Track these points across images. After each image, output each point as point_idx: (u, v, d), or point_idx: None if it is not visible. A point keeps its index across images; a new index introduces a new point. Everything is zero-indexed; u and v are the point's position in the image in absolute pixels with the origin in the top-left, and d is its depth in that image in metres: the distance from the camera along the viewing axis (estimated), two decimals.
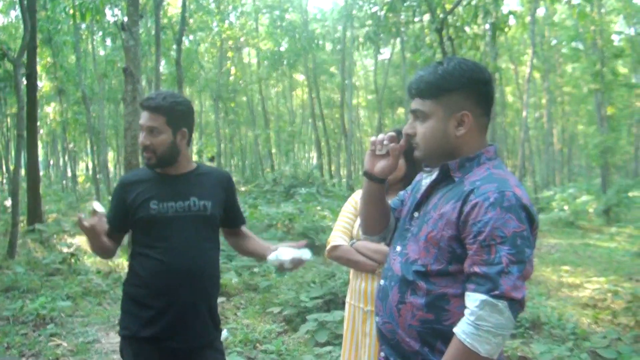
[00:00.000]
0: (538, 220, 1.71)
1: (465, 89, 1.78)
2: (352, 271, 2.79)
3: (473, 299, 1.59)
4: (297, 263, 2.49)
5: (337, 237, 2.74)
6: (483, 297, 1.56)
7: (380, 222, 2.09)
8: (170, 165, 2.55)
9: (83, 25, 19.68)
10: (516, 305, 1.57)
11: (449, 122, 1.80)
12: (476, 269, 1.61)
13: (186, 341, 2.48)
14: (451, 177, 1.82)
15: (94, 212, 2.40)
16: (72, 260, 8.52)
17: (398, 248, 1.91)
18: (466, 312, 1.61)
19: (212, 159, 24.05)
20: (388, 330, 1.85)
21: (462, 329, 1.59)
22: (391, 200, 2.16)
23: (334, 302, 5.95)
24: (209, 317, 2.56)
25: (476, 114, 1.80)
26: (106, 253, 2.57)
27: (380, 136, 1.95)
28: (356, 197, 2.89)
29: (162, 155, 2.50)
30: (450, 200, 1.75)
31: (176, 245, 2.46)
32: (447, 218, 1.73)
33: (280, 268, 2.53)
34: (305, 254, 2.47)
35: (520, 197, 1.65)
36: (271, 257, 2.52)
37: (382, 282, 1.94)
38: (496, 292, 1.55)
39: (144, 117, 2.48)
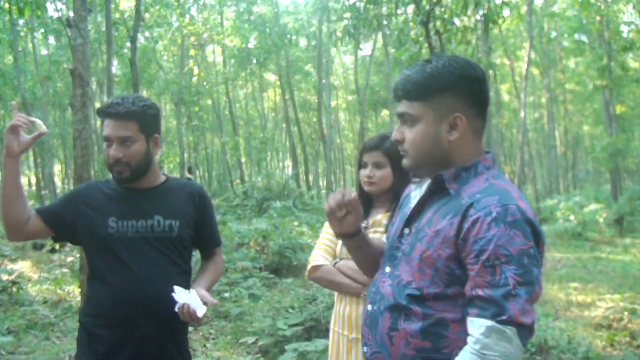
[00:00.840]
0: (544, 236, 1.71)
1: (457, 88, 1.78)
2: (336, 294, 2.78)
3: (477, 325, 1.58)
4: (186, 313, 2.32)
5: (319, 256, 2.73)
6: (488, 323, 1.56)
7: (375, 261, 2.09)
8: (142, 178, 2.53)
9: (21, 22, 19.50)
10: (525, 331, 1.56)
11: (441, 126, 1.80)
12: (479, 291, 1.60)
13: None
14: (446, 188, 1.82)
15: (38, 129, 2.41)
16: (14, 289, 8.39)
17: (387, 269, 1.90)
18: (469, 340, 1.60)
19: (190, 170, 23.89)
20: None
21: (464, 358, 1.59)
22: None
23: (316, 329, 5.95)
24: (176, 353, 2.52)
25: (470, 116, 1.80)
26: (11, 207, 2.42)
27: (332, 201, 1.95)
28: None
29: (137, 167, 2.47)
30: (447, 215, 1.74)
31: (136, 270, 2.41)
32: (444, 235, 1.72)
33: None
34: (201, 310, 2.32)
35: (525, 210, 1.65)
36: (174, 292, 2.37)
37: (369, 307, 1.92)
38: (503, 317, 1.54)
39: (110, 127, 2.43)
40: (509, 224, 1.61)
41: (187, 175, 21.95)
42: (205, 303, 2.36)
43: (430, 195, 1.87)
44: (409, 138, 1.85)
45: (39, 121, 2.41)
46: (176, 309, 2.34)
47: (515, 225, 1.61)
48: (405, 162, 1.91)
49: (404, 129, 1.87)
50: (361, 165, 2.76)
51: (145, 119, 2.47)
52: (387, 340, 1.81)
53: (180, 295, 2.34)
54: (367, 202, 2.77)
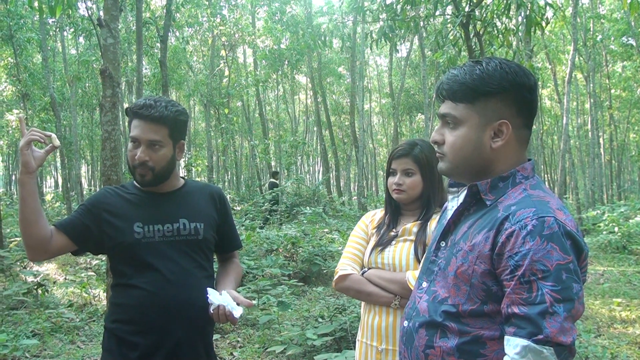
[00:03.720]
0: (587, 250, 1.67)
1: (506, 94, 1.76)
2: (363, 304, 2.78)
3: (513, 345, 1.56)
4: (221, 315, 2.37)
5: (346, 265, 2.74)
6: (524, 342, 1.53)
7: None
8: (163, 182, 2.56)
9: (51, 21, 19.84)
10: (565, 351, 1.53)
11: (485, 132, 1.78)
12: (515, 309, 1.58)
13: None
14: (482, 200, 1.81)
15: (51, 142, 2.41)
16: (39, 291, 8.54)
17: (424, 284, 1.90)
18: (506, 359, 1.58)
19: (275, 175, 23.89)
20: None
21: None
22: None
23: (346, 339, 5.95)
24: (205, 356, 2.55)
25: (516, 125, 1.78)
26: (30, 234, 2.40)
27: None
28: (366, 220, 2.90)
29: (160, 172, 2.51)
30: (483, 229, 1.72)
31: (165, 274, 2.44)
32: (480, 250, 1.70)
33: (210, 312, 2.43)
34: (237, 312, 2.37)
35: (564, 222, 1.62)
36: (208, 294, 2.42)
37: (405, 323, 1.92)
38: (540, 337, 1.52)
39: (140, 129, 2.46)
40: (545, 238, 1.58)
41: (272, 179, 22.16)
42: (238, 304, 2.40)
43: (466, 207, 1.86)
44: (449, 141, 1.83)
45: (53, 135, 2.43)
46: (211, 311, 2.37)
47: (552, 239, 1.57)
48: (441, 165, 1.89)
49: (445, 131, 1.85)
50: (390, 172, 2.78)
51: (176, 125, 2.51)
52: (422, 358, 1.81)
53: (215, 297, 2.38)
54: (395, 211, 2.79)
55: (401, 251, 2.64)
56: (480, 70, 1.77)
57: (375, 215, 2.90)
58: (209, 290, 2.42)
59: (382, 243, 2.70)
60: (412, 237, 2.65)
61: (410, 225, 2.69)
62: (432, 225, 2.60)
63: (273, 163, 32.13)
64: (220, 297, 2.39)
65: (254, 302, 8.06)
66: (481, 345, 1.69)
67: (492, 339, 1.67)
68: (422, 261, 2.05)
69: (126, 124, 2.62)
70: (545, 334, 1.51)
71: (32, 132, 2.35)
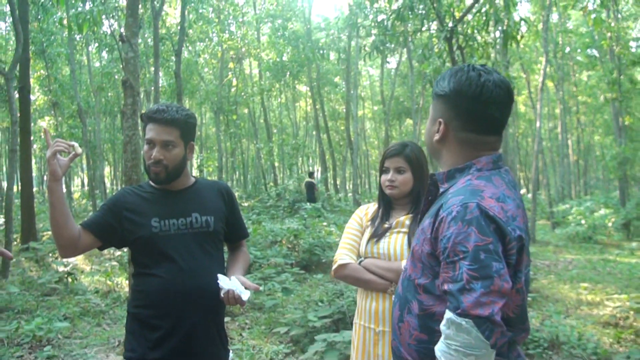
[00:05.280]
0: (515, 235, 1.64)
1: (447, 98, 1.82)
2: (359, 290, 2.77)
3: (444, 318, 1.58)
4: (231, 298, 2.38)
5: (344, 255, 2.73)
6: (449, 315, 1.56)
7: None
8: (175, 180, 2.58)
9: (78, 37, 19.84)
10: (486, 323, 1.51)
11: (434, 126, 1.88)
12: (445, 286, 1.60)
13: None
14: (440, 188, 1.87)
15: (74, 151, 2.40)
16: (69, 280, 8.55)
17: (404, 263, 1.97)
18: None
19: (312, 175, 23.87)
20: (394, 347, 1.89)
21: (437, 347, 1.60)
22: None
23: (343, 321, 5.96)
24: (217, 337, 2.56)
25: (454, 127, 1.81)
26: (61, 234, 2.40)
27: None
28: (360, 213, 2.90)
29: (173, 170, 2.52)
30: (431, 214, 1.78)
31: (181, 264, 2.45)
32: (425, 234, 1.76)
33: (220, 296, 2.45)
34: (245, 295, 2.38)
35: (488, 208, 1.62)
36: (219, 280, 2.44)
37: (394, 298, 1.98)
38: (459, 311, 1.53)
39: (155, 131, 2.48)
40: (466, 222, 1.60)
41: (308, 179, 22.21)
42: (246, 288, 2.42)
43: (431, 194, 1.94)
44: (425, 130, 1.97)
45: (76, 144, 2.42)
46: (222, 295, 2.39)
47: (472, 223, 1.59)
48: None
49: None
50: (383, 170, 2.78)
51: (187, 127, 2.53)
52: (397, 330, 1.86)
53: (225, 282, 2.40)
54: (387, 205, 2.79)
55: (395, 242, 2.64)
56: (445, 73, 1.86)
57: (369, 208, 2.90)
58: (219, 276, 2.43)
59: (377, 234, 2.70)
60: (405, 229, 2.65)
61: (403, 218, 2.69)
62: None
63: (276, 164, 32.09)
64: (230, 282, 2.40)
65: (261, 288, 8.07)
66: (435, 321, 1.70)
67: (442, 314, 1.67)
68: None
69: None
70: (462, 308, 1.52)
71: (57, 143, 2.34)
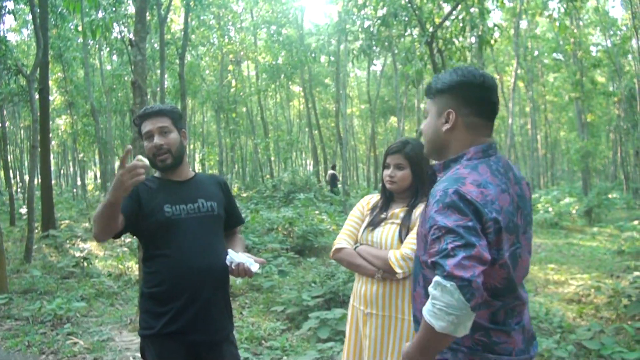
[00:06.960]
0: (492, 216, 1.68)
1: (454, 90, 1.85)
2: (356, 274, 2.76)
3: (432, 281, 1.61)
4: (241, 270, 2.43)
5: (342, 240, 2.73)
6: (436, 278, 1.58)
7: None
8: (179, 166, 2.60)
9: (91, 42, 19.73)
10: (467, 287, 1.53)
11: (439, 119, 1.89)
12: (433, 259, 1.63)
13: (208, 334, 2.50)
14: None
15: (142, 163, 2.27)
16: (85, 264, 8.55)
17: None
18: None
19: (334, 167, 24.38)
20: (414, 313, 1.97)
21: (425, 307, 1.63)
22: None
23: (334, 300, 5.99)
24: (225, 310, 2.60)
25: (463, 113, 1.85)
26: (110, 226, 2.37)
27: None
28: (363, 203, 2.87)
29: (177, 153, 2.56)
30: (428, 200, 1.84)
31: (192, 245, 2.48)
32: (423, 217, 1.87)
33: (230, 269, 2.49)
34: (254, 267, 2.42)
35: (466, 192, 1.67)
36: (227, 256, 2.48)
37: None
38: (444, 273, 1.56)
39: (149, 123, 2.55)
40: (446, 205, 1.66)
41: (331, 171, 22.14)
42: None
43: (433, 183, 1.95)
44: (422, 128, 1.97)
45: (146, 160, 2.30)
46: (232, 267, 2.43)
47: (451, 206, 1.66)
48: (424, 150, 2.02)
49: (424, 121, 1.98)
50: (385, 166, 2.75)
51: (175, 115, 2.60)
52: (413, 300, 1.94)
53: (234, 256, 2.45)
54: (388, 198, 2.77)
55: (388, 232, 2.61)
56: (440, 75, 1.92)
57: (372, 199, 2.87)
58: (230, 251, 2.48)
59: (373, 223, 2.69)
60: (399, 221, 2.62)
61: (398, 211, 2.66)
62: (417, 212, 2.57)
63: (272, 158, 32.02)
64: (239, 256, 2.45)
65: (259, 271, 8.08)
66: None
67: None
68: None
69: None
70: (447, 271, 1.55)
71: (139, 173, 2.20)
